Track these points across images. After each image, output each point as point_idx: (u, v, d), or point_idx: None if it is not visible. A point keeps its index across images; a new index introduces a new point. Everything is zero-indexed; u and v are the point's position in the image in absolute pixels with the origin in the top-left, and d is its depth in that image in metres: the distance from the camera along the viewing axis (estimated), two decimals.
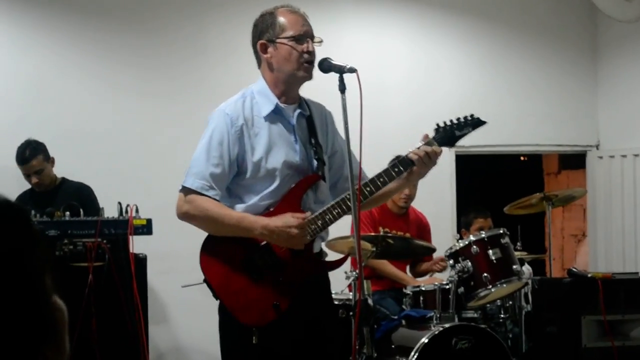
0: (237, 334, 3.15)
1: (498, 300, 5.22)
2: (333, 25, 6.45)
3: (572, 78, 7.27)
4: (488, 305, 5.22)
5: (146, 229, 4.80)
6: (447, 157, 6.62)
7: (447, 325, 4.84)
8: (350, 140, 3.02)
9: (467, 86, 7.03)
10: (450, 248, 5.16)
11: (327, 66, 3.11)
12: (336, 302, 4.37)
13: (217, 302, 3.23)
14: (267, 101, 3.22)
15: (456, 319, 5.00)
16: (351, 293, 4.85)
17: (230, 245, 3.17)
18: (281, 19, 3.20)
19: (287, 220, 3.11)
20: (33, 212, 4.76)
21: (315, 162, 3.24)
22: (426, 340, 4.74)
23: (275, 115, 3.22)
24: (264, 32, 3.21)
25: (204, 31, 6.57)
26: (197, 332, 6.12)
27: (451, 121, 3.31)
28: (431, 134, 3.30)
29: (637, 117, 6.94)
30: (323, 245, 3.36)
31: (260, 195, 3.19)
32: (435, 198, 6.70)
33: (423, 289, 5.22)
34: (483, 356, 4.81)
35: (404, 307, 5.30)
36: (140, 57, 6.43)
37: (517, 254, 5.31)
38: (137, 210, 4.79)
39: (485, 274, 4.94)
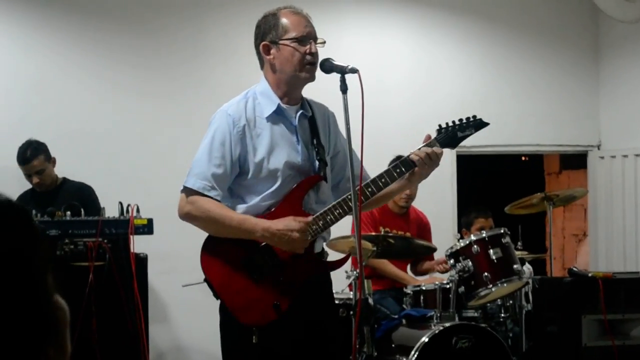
0: (237, 334, 3.16)
1: (498, 300, 5.22)
2: (334, 25, 6.45)
3: (574, 78, 7.27)
4: (488, 304, 5.22)
5: (147, 228, 4.80)
6: (448, 157, 6.62)
7: (447, 325, 4.85)
8: (351, 140, 3.03)
9: (468, 86, 7.03)
10: (451, 247, 5.16)
11: (328, 67, 3.11)
12: (337, 302, 4.37)
13: (217, 302, 3.23)
14: (269, 102, 3.22)
15: (456, 318, 5.00)
16: (352, 292, 4.86)
17: (231, 245, 3.17)
18: (284, 20, 3.19)
19: (289, 223, 3.11)
20: (34, 212, 4.76)
21: (317, 163, 3.24)
22: (426, 340, 4.74)
23: (277, 116, 3.23)
24: (266, 33, 3.21)
25: (204, 32, 6.58)
26: (198, 331, 6.13)
27: (454, 122, 3.31)
28: (433, 135, 3.30)
29: (639, 117, 6.94)
30: (324, 245, 3.36)
31: (262, 195, 3.19)
32: (436, 198, 6.70)
33: (423, 288, 5.22)
34: (483, 355, 4.82)
35: (404, 306, 5.31)
36: (141, 58, 6.43)
37: (518, 253, 5.31)
38: (137, 210, 4.79)
39: (486, 274, 4.94)
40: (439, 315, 5.00)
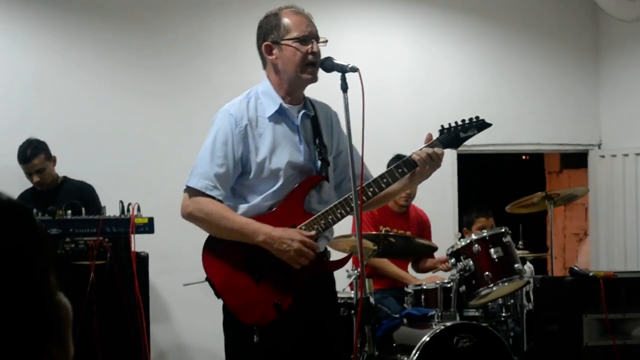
0: (239, 333, 3.16)
1: (499, 299, 5.22)
2: (334, 24, 6.45)
3: (574, 77, 7.27)
4: (489, 303, 5.22)
5: (148, 227, 4.80)
6: (448, 156, 6.55)
7: (448, 324, 4.84)
8: (352, 138, 3.03)
9: (468, 85, 7.03)
10: (452, 247, 5.16)
11: (329, 65, 3.12)
12: (338, 301, 4.37)
13: (218, 301, 3.23)
14: (272, 102, 3.22)
15: (457, 318, 5.00)
16: (353, 291, 4.85)
17: (232, 244, 3.17)
18: (285, 20, 3.19)
19: (292, 233, 3.11)
20: (35, 210, 4.76)
21: (319, 163, 3.24)
22: (427, 339, 4.74)
23: (280, 116, 3.23)
24: (268, 33, 3.21)
25: (204, 31, 6.57)
26: (199, 330, 6.13)
27: (456, 123, 3.31)
28: (435, 135, 3.30)
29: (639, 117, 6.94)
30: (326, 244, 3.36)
31: (264, 195, 3.19)
32: (437, 197, 6.70)
33: (424, 287, 5.22)
34: (484, 355, 4.81)
35: (405, 305, 5.30)
36: (141, 57, 6.43)
37: (519, 252, 5.31)
38: (138, 209, 4.78)
39: (487, 273, 4.94)
40: (440, 314, 5.00)
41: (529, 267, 5.60)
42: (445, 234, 6.40)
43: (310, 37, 3.19)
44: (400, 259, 5.67)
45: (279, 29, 3.19)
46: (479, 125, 3.34)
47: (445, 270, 5.70)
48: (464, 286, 4.99)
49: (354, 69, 3.01)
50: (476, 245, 5.01)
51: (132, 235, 4.72)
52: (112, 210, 4.86)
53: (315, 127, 3.28)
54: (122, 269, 4.65)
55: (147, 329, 4.72)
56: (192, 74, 6.49)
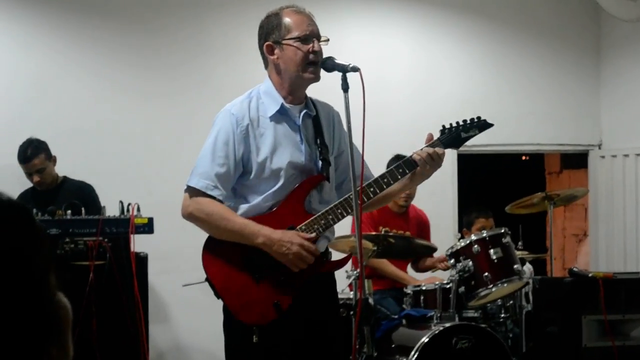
0: (239, 333, 3.15)
1: (499, 300, 5.22)
2: (334, 24, 6.44)
3: (575, 77, 7.27)
4: (489, 304, 5.22)
5: (147, 227, 4.80)
6: (449, 157, 6.49)
7: (447, 325, 4.84)
8: (352, 138, 3.03)
9: (469, 85, 7.03)
10: (452, 247, 5.16)
11: (330, 65, 3.11)
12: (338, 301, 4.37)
13: (218, 302, 3.23)
14: (273, 101, 3.22)
15: (456, 319, 4.99)
16: (352, 292, 4.85)
17: (232, 244, 3.17)
18: (287, 20, 3.19)
19: (292, 236, 3.11)
20: (34, 210, 4.76)
21: (320, 163, 3.24)
22: (426, 340, 4.73)
23: (281, 116, 3.22)
24: (269, 33, 3.21)
25: (205, 31, 6.57)
26: (198, 331, 6.13)
27: (457, 123, 3.30)
28: (436, 135, 3.29)
29: None
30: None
31: (264, 195, 3.19)
32: (437, 197, 6.69)
33: (424, 288, 5.22)
34: (483, 356, 4.81)
35: (404, 306, 5.30)
36: (141, 57, 6.43)
37: (518, 253, 5.31)
38: (138, 209, 4.79)
39: (486, 274, 4.94)
40: (439, 315, 5.00)
41: (528, 267, 5.61)
42: (445, 234, 6.40)
43: (312, 36, 3.18)
44: (399, 259, 5.67)
45: (280, 29, 3.18)
46: (481, 125, 3.33)
47: (444, 270, 5.70)
48: (463, 287, 4.99)
49: (355, 69, 3.01)
50: (476, 246, 5.01)
51: (131, 236, 4.72)
52: (111, 210, 4.86)
53: (317, 127, 3.28)
54: (121, 269, 4.66)
55: (146, 329, 4.72)
56: (193, 74, 6.49)
